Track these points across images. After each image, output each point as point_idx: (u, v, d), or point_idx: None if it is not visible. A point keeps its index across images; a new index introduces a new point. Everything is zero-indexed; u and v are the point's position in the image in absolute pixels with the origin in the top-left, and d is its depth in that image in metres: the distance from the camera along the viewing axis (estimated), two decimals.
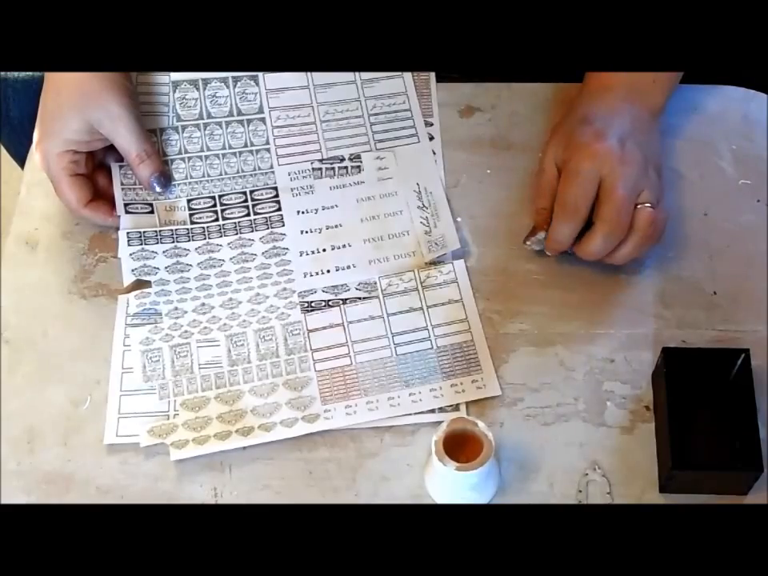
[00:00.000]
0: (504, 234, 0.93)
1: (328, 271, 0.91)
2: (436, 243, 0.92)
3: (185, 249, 0.92)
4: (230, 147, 0.97)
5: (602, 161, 0.84)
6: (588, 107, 0.90)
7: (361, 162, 0.97)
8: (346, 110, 1.00)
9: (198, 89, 0.99)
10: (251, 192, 0.95)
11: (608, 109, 0.89)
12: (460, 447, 0.77)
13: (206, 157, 0.97)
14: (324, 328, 0.88)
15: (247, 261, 0.92)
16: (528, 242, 0.89)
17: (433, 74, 1.02)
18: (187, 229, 0.93)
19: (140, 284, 0.90)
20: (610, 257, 0.86)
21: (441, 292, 0.90)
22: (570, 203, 0.85)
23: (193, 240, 0.93)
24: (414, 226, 0.93)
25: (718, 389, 0.82)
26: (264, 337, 0.88)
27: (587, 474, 0.81)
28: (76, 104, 0.89)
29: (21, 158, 1.00)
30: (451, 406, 0.84)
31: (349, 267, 0.91)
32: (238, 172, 0.96)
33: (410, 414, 0.84)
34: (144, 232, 0.92)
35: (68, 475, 0.82)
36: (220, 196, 0.95)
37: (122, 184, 0.94)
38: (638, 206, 0.84)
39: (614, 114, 0.88)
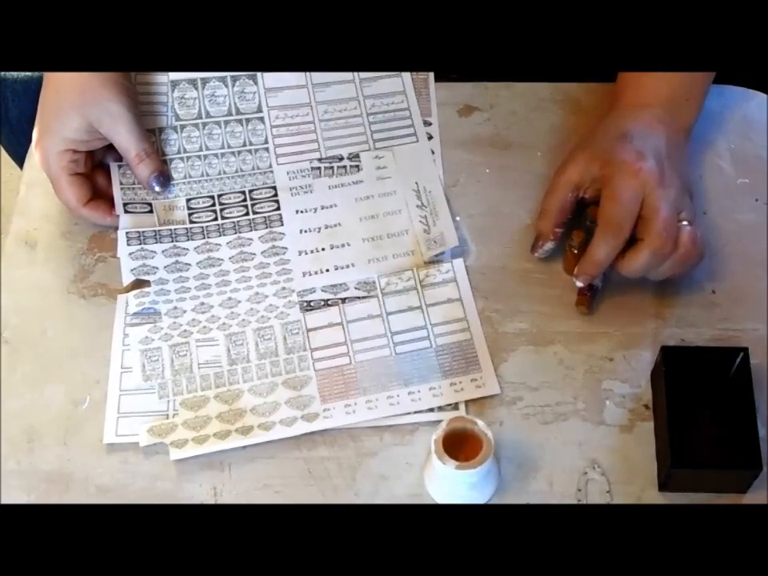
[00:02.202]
0: (503, 232, 0.93)
1: (327, 270, 0.91)
2: (435, 241, 0.92)
3: (184, 248, 0.92)
4: (229, 146, 0.97)
5: (644, 181, 0.83)
6: (624, 124, 0.88)
7: (359, 161, 0.97)
8: (344, 109, 1.00)
9: (196, 88, 0.99)
10: (250, 191, 0.95)
11: (645, 127, 0.87)
12: (459, 446, 0.77)
13: (205, 156, 0.97)
14: (323, 327, 0.88)
15: (246, 260, 0.92)
16: (537, 253, 0.89)
17: (431, 74, 1.02)
18: (186, 228, 0.93)
19: (139, 283, 0.90)
20: (652, 272, 0.85)
21: (440, 291, 0.90)
22: (615, 222, 0.83)
23: (192, 239, 0.93)
24: (413, 225, 0.93)
25: (717, 387, 0.82)
26: (263, 336, 0.88)
27: (586, 473, 0.81)
28: (75, 103, 0.89)
29: (20, 159, 1.00)
30: (450, 404, 0.84)
31: (348, 266, 0.91)
32: (236, 171, 0.96)
33: (410, 413, 0.84)
34: (143, 231, 0.92)
35: (67, 475, 0.82)
36: (219, 195, 0.95)
37: (120, 183, 0.94)
38: (680, 224, 0.84)
39: (651, 133, 0.87)
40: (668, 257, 0.83)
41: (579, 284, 0.87)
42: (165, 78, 0.99)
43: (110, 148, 0.93)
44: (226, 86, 0.99)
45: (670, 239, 0.83)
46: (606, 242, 0.84)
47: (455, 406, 0.84)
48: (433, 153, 0.98)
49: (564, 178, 0.88)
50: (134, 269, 0.90)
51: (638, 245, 0.83)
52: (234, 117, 0.98)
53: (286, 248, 0.92)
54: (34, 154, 0.92)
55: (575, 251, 0.87)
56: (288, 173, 0.96)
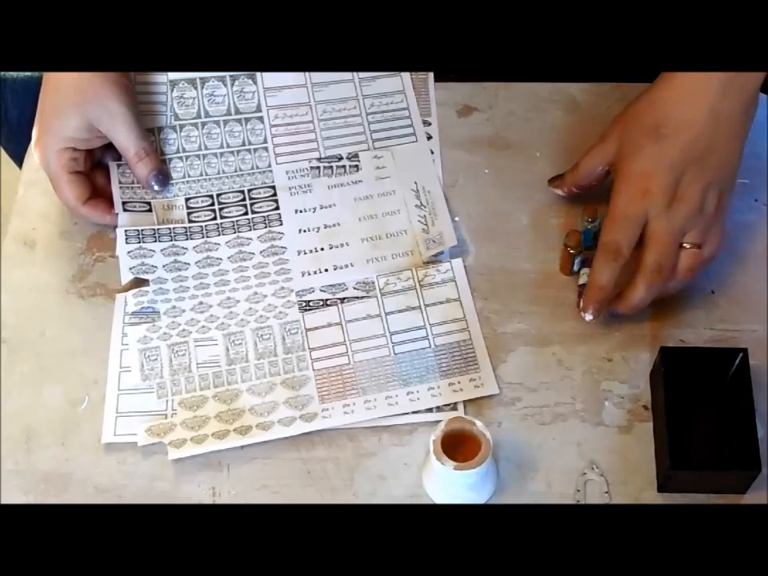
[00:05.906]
0: (502, 233, 0.93)
1: (326, 270, 0.91)
2: (434, 241, 0.92)
3: (183, 247, 0.92)
4: (228, 146, 0.97)
5: (651, 201, 0.81)
6: (665, 106, 0.83)
7: (359, 160, 0.97)
8: (343, 109, 1.00)
9: (195, 87, 0.98)
10: (249, 191, 0.95)
11: (690, 101, 0.82)
12: (458, 446, 0.77)
13: (204, 155, 0.97)
14: (322, 327, 0.88)
15: (245, 260, 0.92)
16: (550, 186, 0.91)
17: (431, 74, 1.02)
18: (185, 227, 0.93)
19: (138, 283, 0.90)
20: (651, 299, 0.84)
21: (439, 291, 0.90)
22: (613, 245, 0.82)
23: (191, 239, 0.93)
24: (412, 225, 0.93)
25: (716, 388, 0.82)
26: (262, 336, 0.88)
27: (585, 474, 0.81)
28: (75, 102, 0.89)
29: (19, 158, 1.00)
30: (449, 405, 0.84)
31: (346, 266, 0.91)
32: (235, 171, 0.96)
33: (408, 413, 0.84)
34: (142, 230, 0.92)
35: (66, 475, 0.82)
36: (218, 195, 0.95)
37: (120, 182, 0.94)
38: (684, 245, 0.82)
39: (694, 110, 0.82)
40: (666, 284, 0.83)
41: (588, 317, 0.84)
42: (164, 78, 0.98)
43: (110, 147, 0.93)
44: (225, 85, 0.99)
45: (665, 271, 0.82)
46: (607, 264, 0.82)
47: (454, 407, 0.84)
48: (432, 153, 0.98)
49: (599, 150, 0.87)
50: (133, 267, 0.90)
51: (632, 280, 0.82)
52: (233, 116, 0.98)
53: (284, 248, 0.92)
54: (32, 154, 0.92)
55: (571, 251, 0.87)
56: (287, 172, 0.96)
